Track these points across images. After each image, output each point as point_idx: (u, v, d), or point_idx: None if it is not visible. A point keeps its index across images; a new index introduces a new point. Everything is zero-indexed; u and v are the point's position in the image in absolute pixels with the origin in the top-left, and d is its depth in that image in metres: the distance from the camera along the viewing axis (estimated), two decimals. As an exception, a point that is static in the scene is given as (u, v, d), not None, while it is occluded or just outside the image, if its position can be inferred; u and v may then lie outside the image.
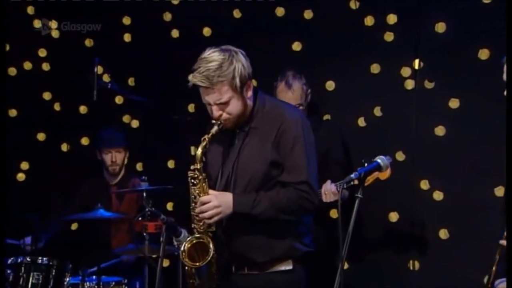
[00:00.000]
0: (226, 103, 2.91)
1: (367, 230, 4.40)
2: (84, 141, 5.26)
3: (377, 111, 4.52)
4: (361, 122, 4.55)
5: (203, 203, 2.91)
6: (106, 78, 4.59)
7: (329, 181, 3.98)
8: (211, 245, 2.90)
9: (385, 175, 3.37)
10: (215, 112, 2.94)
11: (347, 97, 4.57)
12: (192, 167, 2.93)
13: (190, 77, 2.91)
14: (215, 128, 2.93)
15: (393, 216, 4.46)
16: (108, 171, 4.87)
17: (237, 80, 2.89)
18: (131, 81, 5.13)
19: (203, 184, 2.94)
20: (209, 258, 2.90)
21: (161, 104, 4.66)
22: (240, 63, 2.90)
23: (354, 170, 2.82)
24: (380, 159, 2.86)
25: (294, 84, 4.18)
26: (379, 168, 2.86)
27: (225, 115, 2.94)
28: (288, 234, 2.98)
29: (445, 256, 4.34)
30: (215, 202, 2.90)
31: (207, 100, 2.94)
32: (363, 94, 4.53)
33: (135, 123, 5.18)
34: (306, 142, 2.96)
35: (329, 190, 3.96)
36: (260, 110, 2.99)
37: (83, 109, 5.25)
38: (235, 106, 2.92)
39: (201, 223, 2.95)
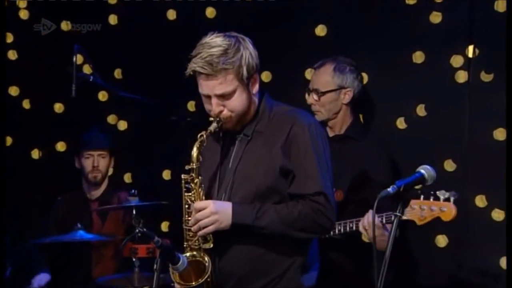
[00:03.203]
0: (229, 96, 2.97)
1: (409, 257, 4.39)
2: (60, 146, 5.31)
3: (421, 110, 4.52)
4: (401, 123, 4.56)
5: (198, 210, 2.96)
6: (87, 69, 4.64)
7: (370, 212, 3.68)
8: (207, 262, 2.95)
9: (449, 215, 3.20)
10: (215, 107, 3.00)
11: (384, 93, 4.57)
12: (187, 167, 3.00)
13: (190, 64, 2.96)
14: (214, 125, 3.01)
15: (442, 240, 4.45)
16: (88, 180, 4.90)
17: (244, 70, 2.96)
18: (117, 73, 5.18)
19: (199, 190, 3.00)
20: (206, 276, 2.95)
21: (154, 101, 4.68)
22: (248, 51, 2.99)
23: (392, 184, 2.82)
24: (424, 169, 2.86)
25: (324, 65, 4.14)
26: (422, 180, 2.86)
27: (226, 112, 3.00)
28: (290, 261, 3.00)
29: (506, 290, 4.32)
30: (212, 208, 2.95)
31: (206, 92, 2.99)
32: (404, 89, 4.53)
33: (122, 125, 5.23)
34: (320, 149, 3.02)
35: (370, 224, 3.69)
36: (267, 112, 3.07)
37: (58, 107, 5.30)
38: (238, 101, 2.99)
39: (196, 238, 3.00)
